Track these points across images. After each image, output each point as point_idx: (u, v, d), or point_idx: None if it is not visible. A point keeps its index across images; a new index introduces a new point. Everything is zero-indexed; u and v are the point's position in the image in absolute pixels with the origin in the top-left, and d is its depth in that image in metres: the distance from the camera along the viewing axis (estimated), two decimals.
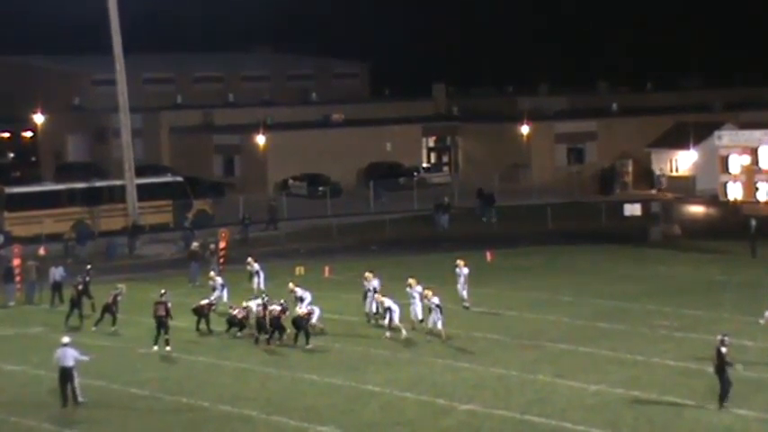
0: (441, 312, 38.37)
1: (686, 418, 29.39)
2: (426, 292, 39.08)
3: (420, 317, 39.70)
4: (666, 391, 31.64)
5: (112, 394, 33.23)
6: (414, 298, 39.93)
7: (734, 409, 29.76)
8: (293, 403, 31.64)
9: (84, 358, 32.11)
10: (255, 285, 46.50)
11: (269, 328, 38.20)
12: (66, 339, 32.23)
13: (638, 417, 29.55)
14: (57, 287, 46.27)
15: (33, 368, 35.10)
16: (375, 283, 41.61)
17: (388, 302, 39.15)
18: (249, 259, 48.14)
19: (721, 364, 29.83)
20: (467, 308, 42.77)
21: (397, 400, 31.63)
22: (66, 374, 31.65)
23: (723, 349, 29.99)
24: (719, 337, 30.16)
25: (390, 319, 38.83)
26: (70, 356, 31.76)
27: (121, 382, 34.40)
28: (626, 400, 31.00)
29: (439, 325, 38.34)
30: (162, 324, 38.12)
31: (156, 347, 37.98)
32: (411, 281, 40.56)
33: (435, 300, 38.51)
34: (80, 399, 31.69)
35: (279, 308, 38.50)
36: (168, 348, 37.79)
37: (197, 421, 30.44)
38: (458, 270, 43.78)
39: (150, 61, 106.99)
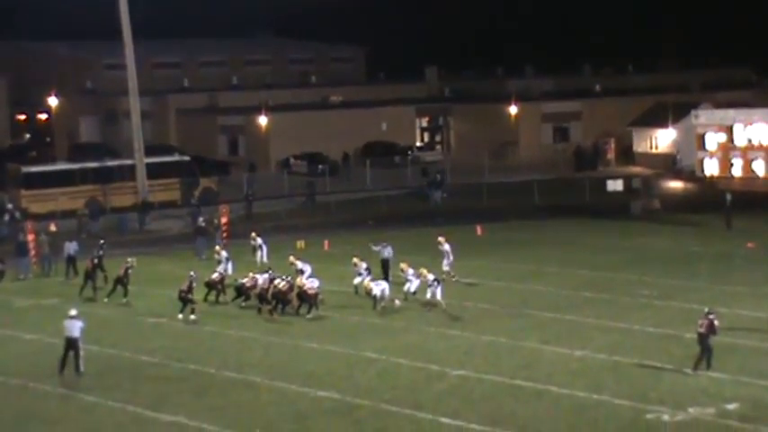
0: (439, 284, 38.19)
1: (665, 381, 29.43)
2: (421, 270, 38.74)
3: (413, 291, 39.35)
4: (646, 355, 31.67)
5: (123, 361, 33.24)
6: (409, 281, 39.41)
7: (708, 372, 29.80)
8: (294, 370, 31.65)
9: (83, 332, 31.90)
10: (258, 259, 46.47)
11: (271, 300, 38.12)
12: (73, 312, 32.16)
13: (619, 380, 29.58)
14: (71, 260, 46.31)
15: (48, 337, 35.09)
16: (364, 266, 40.93)
17: (375, 290, 38.39)
18: (253, 234, 48.13)
19: (708, 335, 30.01)
20: (453, 278, 42.44)
21: (393, 367, 31.65)
22: (71, 344, 31.62)
23: (716, 322, 30.31)
24: (711, 314, 30.24)
25: (381, 298, 38.36)
26: (77, 327, 31.69)
27: (132, 350, 34.42)
28: (608, 365, 31.04)
29: (438, 295, 38.03)
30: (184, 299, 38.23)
31: (180, 316, 38.01)
32: (402, 265, 39.98)
33: (431, 276, 38.26)
34: (81, 369, 31.59)
35: (286, 284, 38.27)
36: (193, 317, 37.80)
37: (203, 387, 30.45)
38: (440, 248, 43.51)
39: (158, 47, 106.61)
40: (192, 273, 39.10)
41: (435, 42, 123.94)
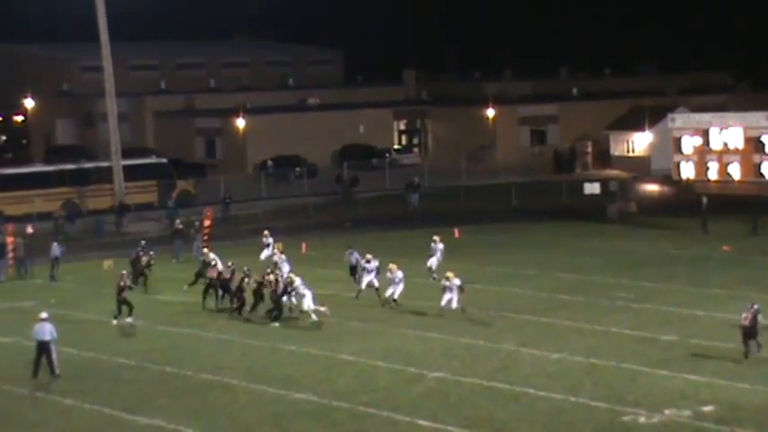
0: (459, 291, 37.14)
1: (641, 383, 29.52)
2: (448, 273, 37.65)
3: (396, 297, 38.67)
4: (623, 358, 31.76)
5: (101, 364, 33.12)
6: (395, 284, 38.67)
7: (684, 374, 29.94)
8: (272, 372, 31.61)
9: (55, 335, 31.72)
10: (263, 257, 46.39)
11: (238, 297, 38.08)
12: (44, 315, 32.02)
13: (596, 383, 29.66)
14: (56, 262, 46.35)
15: (25, 340, 34.89)
16: (375, 263, 40.01)
17: (301, 289, 37.12)
18: (266, 232, 48.11)
19: (754, 329, 31.33)
20: (435, 279, 42.57)
21: (371, 369, 31.64)
22: (42, 348, 31.44)
23: (760, 316, 31.49)
24: (755, 306, 31.52)
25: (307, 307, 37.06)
26: (47, 331, 31.46)
27: (109, 352, 34.30)
28: (585, 367, 31.11)
29: (454, 302, 37.03)
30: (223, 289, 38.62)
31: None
32: (392, 266, 39.13)
33: (457, 281, 37.16)
34: (57, 371, 31.43)
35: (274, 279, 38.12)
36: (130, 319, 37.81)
37: (181, 389, 30.37)
38: (433, 245, 43.80)
39: (135, 49, 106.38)
40: (245, 269, 38.77)
41: (413, 45, 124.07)
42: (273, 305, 37.44)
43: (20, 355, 33.67)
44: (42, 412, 28.91)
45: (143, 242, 46.15)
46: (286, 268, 40.99)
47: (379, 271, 39.86)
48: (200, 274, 40.85)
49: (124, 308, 37.77)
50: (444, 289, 37.34)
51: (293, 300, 37.69)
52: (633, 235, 54.75)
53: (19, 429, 27.69)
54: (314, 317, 36.86)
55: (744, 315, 31.58)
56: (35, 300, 42.01)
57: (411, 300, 39.10)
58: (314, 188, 73.36)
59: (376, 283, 39.84)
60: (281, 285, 37.52)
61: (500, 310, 38.23)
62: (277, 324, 36.93)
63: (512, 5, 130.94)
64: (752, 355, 31.15)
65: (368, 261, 40.27)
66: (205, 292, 39.80)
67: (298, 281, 37.44)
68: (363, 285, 40.19)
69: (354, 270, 42.44)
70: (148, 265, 42.78)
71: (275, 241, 46.93)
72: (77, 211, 63.50)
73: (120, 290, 37.62)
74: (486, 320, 37.03)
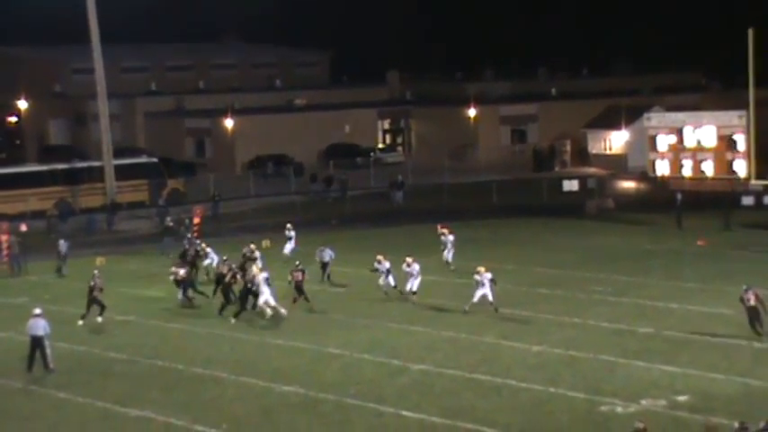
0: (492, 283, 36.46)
1: (618, 374, 29.60)
2: (479, 268, 36.66)
3: (414, 289, 38.40)
4: (601, 350, 31.83)
5: (93, 358, 33.07)
6: (412, 276, 38.29)
7: (660, 365, 30.03)
8: (261, 365, 31.59)
9: (48, 331, 31.64)
10: (287, 251, 46.32)
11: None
12: (37, 311, 31.94)
13: (575, 374, 29.73)
14: (63, 258, 46.42)
15: (19, 335, 34.81)
16: (387, 265, 39.30)
17: (262, 286, 36.66)
18: (288, 225, 48.03)
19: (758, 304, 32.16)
20: (453, 270, 42.72)
21: (356, 362, 31.65)
22: (36, 342, 31.36)
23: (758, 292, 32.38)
24: (750, 289, 32.28)
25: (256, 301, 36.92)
26: (41, 326, 31.38)
27: (101, 347, 34.25)
28: (564, 359, 31.18)
29: (490, 296, 36.33)
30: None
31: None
32: (408, 259, 38.69)
33: (488, 275, 36.53)
34: (50, 365, 31.36)
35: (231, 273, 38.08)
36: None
37: (171, 382, 30.34)
38: (443, 238, 44.07)
39: (126, 51, 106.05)
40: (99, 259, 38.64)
41: (397, 47, 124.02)
42: (238, 301, 37.25)
43: (14, 350, 33.60)
44: (36, 405, 28.86)
45: (198, 242, 45.88)
46: (259, 264, 40.51)
47: (390, 271, 39.26)
48: (218, 281, 39.93)
49: (94, 307, 37.25)
50: (476, 284, 36.63)
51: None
52: (610, 230, 54.86)
53: (14, 422, 27.62)
54: (268, 312, 36.57)
55: (747, 297, 32.17)
56: (29, 296, 41.93)
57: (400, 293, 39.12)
58: (302, 186, 73.28)
59: (392, 282, 39.23)
60: (240, 280, 37.42)
61: (481, 305, 38.22)
62: (233, 320, 36.65)
63: (492, 8, 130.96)
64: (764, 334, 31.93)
65: (378, 262, 39.41)
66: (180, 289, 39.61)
67: (261, 277, 36.97)
68: (392, 282, 38.96)
69: (325, 267, 42.09)
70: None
71: (264, 240, 46.51)
72: (70, 209, 63.33)
73: (91, 290, 37.21)
74: (467, 313, 37.05)
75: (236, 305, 37.48)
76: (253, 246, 42.89)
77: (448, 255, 44.25)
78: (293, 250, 46.67)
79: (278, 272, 40.98)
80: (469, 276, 40.60)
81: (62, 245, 47.04)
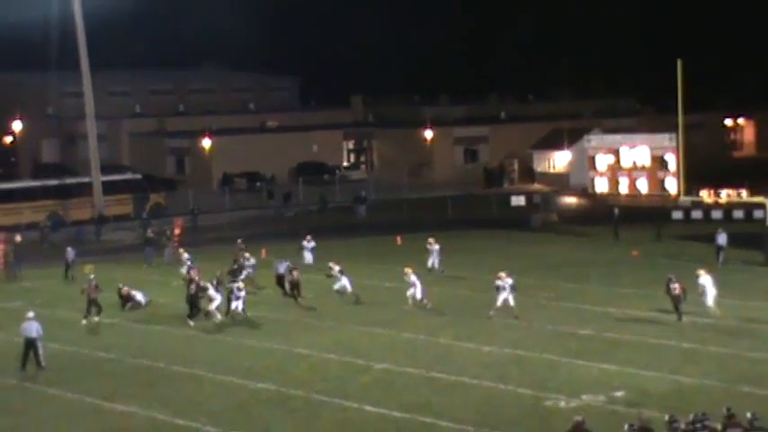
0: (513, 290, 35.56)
1: (561, 372, 29.73)
2: (500, 273, 35.64)
3: (420, 297, 37.67)
4: (545, 350, 31.97)
5: (82, 357, 32.88)
6: (414, 285, 37.66)
7: (599, 364, 30.19)
8: (236, 364, 31.50)
9: (41, 333, 31.40)
10: (307, 261, 45.67)
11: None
12: (30, 314, 31.76)
13: (522, 372, 29.83)
14: (71, 265, 46.18)
15: (14, 336, 34.54)
16: (414, 277, 38.17)
17: (212, 292, 36.61)
18: (308, 236, 47.29)
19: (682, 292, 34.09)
20: (442, 273, 43.10)
21: (323, 361, 31.62)
22: (30, 343, 31.16)
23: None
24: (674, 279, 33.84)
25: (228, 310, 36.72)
26: (34, 329, 31.21)
27: (90, 347, 34.06)
28: (513, 358, 31.28)
29: (511, 301, 35.32)
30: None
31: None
32: (407, 270, 38.28)
33: (509, 280, 35.60)
34: (43, 364, 31.15)
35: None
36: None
37: (154, 379, 30.21)
38: (429, 247, 44.07)
39: (113, 76, 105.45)
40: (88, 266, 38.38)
41: (360, 73, 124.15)
42: (190, 304, 36.96)
43: (9, 350, 33.33)
44: (29, 401, 28.66)
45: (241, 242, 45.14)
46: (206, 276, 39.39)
47: (343, 272, 39.12)
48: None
49: (93, 308, 37.29)
50: (498, 289, 35.66)
51: (240, 305, 36.83)
52: (554, 241, 55.13)
53: (7, 416, 27.41)
54: (217, 318, 36.33)
55: (673, 286, 33.45)
56: (23, 300, 41.56)
57: (371, 301, 39.09)
58: (273, 201, 73.10)
59: (348, 287, 39.01)
60: (193, 287, 36.96)
61: (438, 309, 38.33)
62: (192, 323, 36.46)
63: (448, 39, 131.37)
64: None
65: (406, 275, 37.96)
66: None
67: (210, 285, 36.70)
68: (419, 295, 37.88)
69: (281, 279, 40.72)
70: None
71: (243, 250, 45.28)
72: (61, 221, 62.97)
73: (88, 293, 37.22)
74: (425, 316, 37.09)
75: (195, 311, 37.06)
76: (248, 254, 42.69)
77: (434, 262, 44.13)
78: (311, 261, 45.82)
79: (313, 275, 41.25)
80: (425, 284, 40.77)
81: (70, 252, 46.73)
